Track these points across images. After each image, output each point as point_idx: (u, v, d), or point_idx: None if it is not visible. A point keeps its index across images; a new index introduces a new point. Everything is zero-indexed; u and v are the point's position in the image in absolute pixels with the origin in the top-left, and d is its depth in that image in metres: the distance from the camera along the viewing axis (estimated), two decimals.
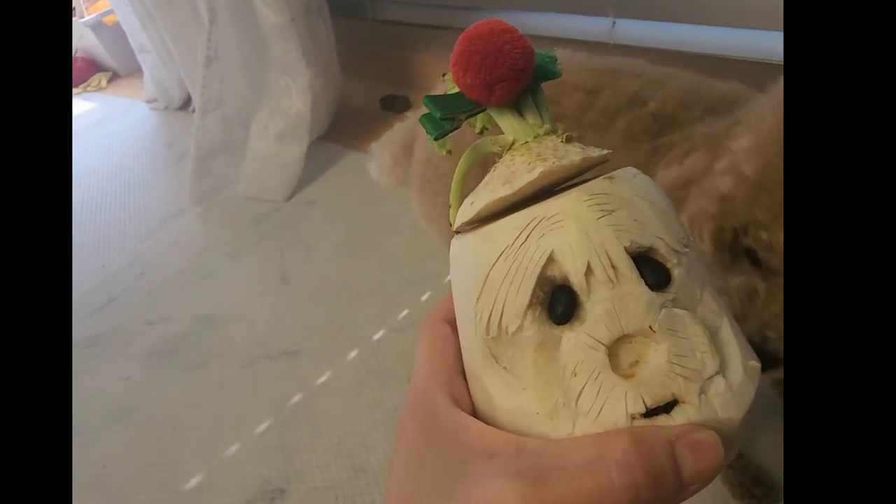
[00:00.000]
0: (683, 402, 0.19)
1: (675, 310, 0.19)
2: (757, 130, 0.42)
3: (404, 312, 1.02)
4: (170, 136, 1.81)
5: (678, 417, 0.18)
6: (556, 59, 0.24)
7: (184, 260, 1.29)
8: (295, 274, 1.18)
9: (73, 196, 1.57)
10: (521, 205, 0.21)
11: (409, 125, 0.88)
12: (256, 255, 1.25)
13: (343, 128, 1.53)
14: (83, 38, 2.22)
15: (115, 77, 2.29)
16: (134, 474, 0.89)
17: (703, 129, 0.51)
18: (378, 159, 0.89)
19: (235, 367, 1.01)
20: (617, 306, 0.19)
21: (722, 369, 0.19)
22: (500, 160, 0.23)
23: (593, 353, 0.19)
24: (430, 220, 0.78)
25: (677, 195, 0.47)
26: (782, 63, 0.39)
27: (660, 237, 0.20)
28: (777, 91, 0.43)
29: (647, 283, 0.19)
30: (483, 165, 0.24)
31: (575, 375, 0.19)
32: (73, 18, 2.16)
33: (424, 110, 0.24)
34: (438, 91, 0.24)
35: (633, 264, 0.19)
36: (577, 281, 0.19)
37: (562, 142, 0.22)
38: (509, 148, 0.23)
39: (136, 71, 2.12)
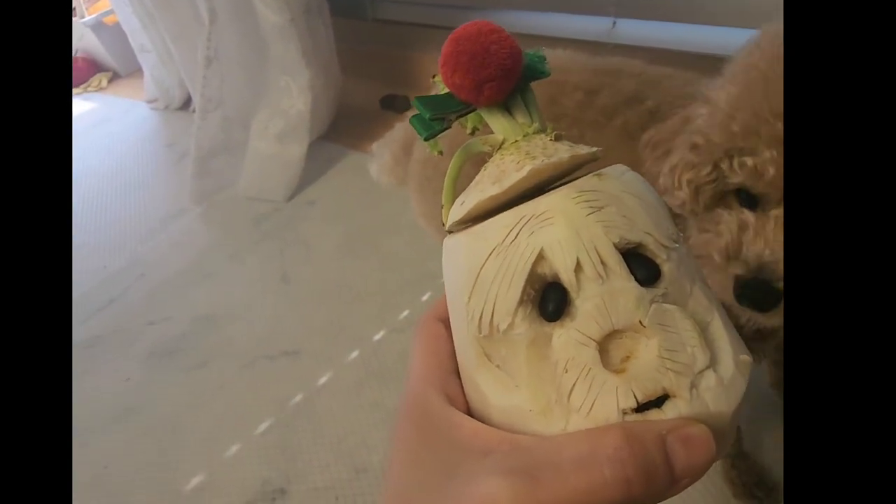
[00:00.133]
0: (674, 397, 0.19)
1: (665, 305, 0.19)
2: (730, 76, 0.43)
3: (405, 312, 1.02)
4: (170, 136, 1.82)
5: (669, 412, 0.18)
6: (545, 59, 0.24)
7: (184, 260, 1.29)
8: (295, 274, 1.18)
9: (74, 196, 1.58)
10: (512, 203, 0.21)
11: (409, 125, 0.88)
12: (257, 255, 1.25)
13: (343, 128, 1.53)
14: (83, 39, 2.22)
15: (115, 77, 2.30)
16: (134, 474, 0.89)
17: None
18: (379, 159, 0.89)
19: (236, 367, 1.01)
20: (607, 302, 0.19)
21: (713, 363, 0.19)
22: (491, 159, 0.23)
23: (584, 349, 0.19)
24: (430, 218, 0.78)
25: (661, 149, 0.48)
26: None
27: (649, 233, 0.20)
28: (751, 42, 0.43)
29: (636, 279, 0.19)
30: (478, 165, 0.24)
31: (566, 372, 0.19)
32: (74, 18, 2.16)
33: None
34: (434, 92, 0.24)
35: (622, 260, 0.19)
36: (566, 278, 0.19)
37: (551, 140, 0.22)
38: (499, 147, 0.23)
39: (136, 71, 2.13)
